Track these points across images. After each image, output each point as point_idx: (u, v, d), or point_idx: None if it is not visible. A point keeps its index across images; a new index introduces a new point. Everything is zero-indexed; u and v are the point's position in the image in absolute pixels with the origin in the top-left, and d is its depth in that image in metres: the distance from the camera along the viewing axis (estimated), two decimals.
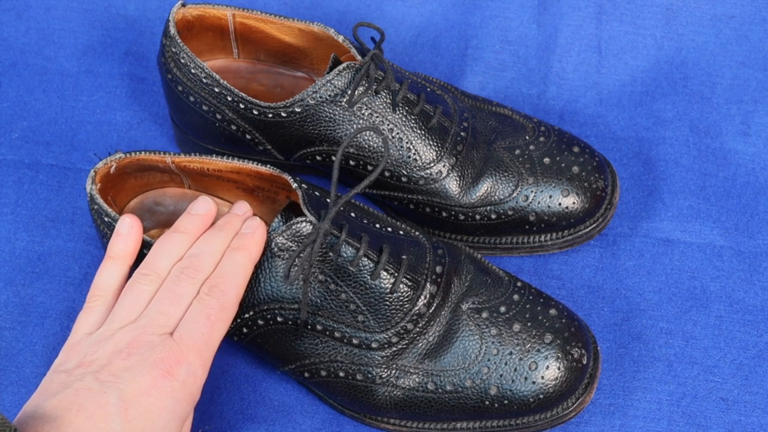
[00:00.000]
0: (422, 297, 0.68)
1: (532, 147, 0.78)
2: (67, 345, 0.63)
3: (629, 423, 0.73)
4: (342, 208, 0.69)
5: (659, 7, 0.91)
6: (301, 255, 0.65)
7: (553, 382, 0.68)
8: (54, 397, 0.58)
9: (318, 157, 0.77)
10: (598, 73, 0.90)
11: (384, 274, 0.67)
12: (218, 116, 0.76)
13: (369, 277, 0.67)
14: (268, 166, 0.70)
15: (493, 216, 0.77)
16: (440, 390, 0.69)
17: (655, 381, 0.75)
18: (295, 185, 0.68)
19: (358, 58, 0.74)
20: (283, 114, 0.74)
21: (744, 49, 0.91)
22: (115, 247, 0.66)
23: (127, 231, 0.67)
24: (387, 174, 0.76)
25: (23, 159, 0.85)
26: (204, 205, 0.68)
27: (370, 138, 0.75)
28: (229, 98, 0.75)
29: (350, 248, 0.67)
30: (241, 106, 0.75)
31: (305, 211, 0.66)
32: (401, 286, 0.68)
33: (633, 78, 0.90)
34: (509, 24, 0.91)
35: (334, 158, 0.76)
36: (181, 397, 0.60)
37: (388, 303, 0.68)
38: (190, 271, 0.64)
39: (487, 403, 0.68)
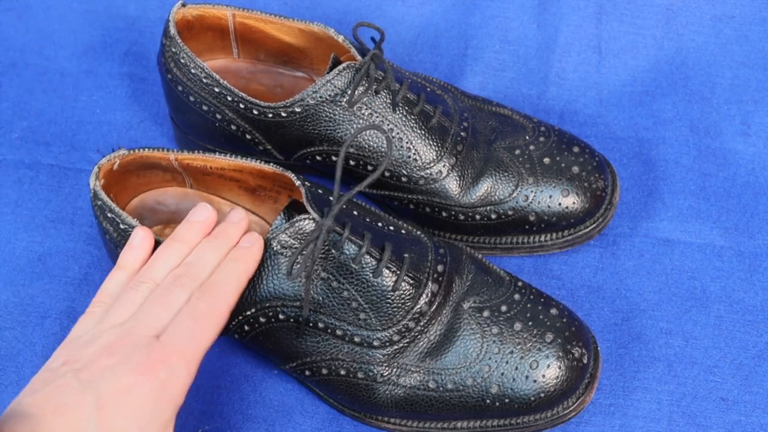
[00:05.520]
0: (424, 295, 0.68)
1: (532, 147, 0.78)
2: (60, 346, 0.63)
3: (629, 423, 0.73)
4: (344, 206, 0.69)
5: (659, 7, 0.91)
6: (304, 252, 0.66)
7: (554, 381, 0.68)
8: (34, 394, 0.58)
9: (318, 157, 0.77)
10: (598, 73, 0.90)
11: (386, 271, 0.67)
12: (218, 116, 0.76)
13: (371, 275, 0.67)
14: (271, 164, 0.70)
15: (493, 216, 0.77)
16: (441, 388, 0.69)
17: (655, 381, 0.75)
18: (298, 183, 0.68)
19: (358, 58, 0.74)
20: (283, 114, 0.74)
21: (744, 49, 0.91)
22: (125, 256, 0.67)
23: (139, 243, 0.67)
24: (387, 174, 0.76)
25: (23, 159, 0.85)
26: (203, 212, 0.68)
27: (371, 138, 0.75)
28: (229, 98, 0.75)
29: (353, 246, 0.67)
30: (241, 106, 0.75)
31: (308, 207, 0.66)
32: (403, 284, 0.68)
33: (633, 78, 0.90)
34: (509, 24, 0.91)
35: (334, 158, 0.76)
36: (162, 397, 0.59)
37: (389, 301, 0.68)
38: (184, 278, 0.64)
39: (488, 401, 0.68)
